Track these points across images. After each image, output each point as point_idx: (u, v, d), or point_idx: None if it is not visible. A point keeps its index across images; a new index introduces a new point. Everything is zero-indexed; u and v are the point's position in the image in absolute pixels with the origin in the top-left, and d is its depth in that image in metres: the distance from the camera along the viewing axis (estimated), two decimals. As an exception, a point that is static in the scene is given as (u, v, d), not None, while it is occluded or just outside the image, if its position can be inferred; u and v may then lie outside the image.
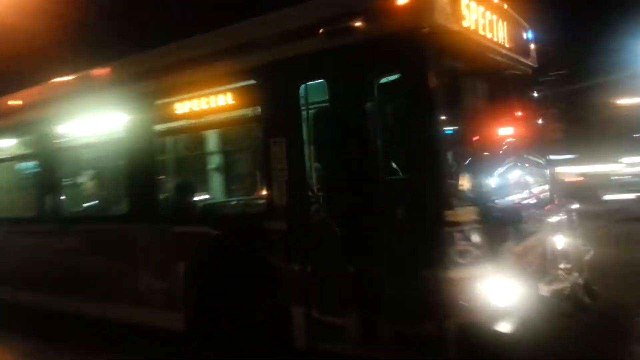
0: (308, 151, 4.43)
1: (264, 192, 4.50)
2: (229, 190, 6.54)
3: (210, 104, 4.43)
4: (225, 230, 4.39)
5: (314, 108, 4.72)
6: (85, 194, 6.31)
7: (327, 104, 4.05)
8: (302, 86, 4.17)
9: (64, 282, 5.64)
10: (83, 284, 5.44)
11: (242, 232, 4.39)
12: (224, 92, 4.37)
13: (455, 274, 3.37)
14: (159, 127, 4.91)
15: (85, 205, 6.25)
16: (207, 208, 5.62)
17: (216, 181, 6.49)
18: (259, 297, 4.16)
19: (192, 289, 4.46)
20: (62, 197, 6.00)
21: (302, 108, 4.35)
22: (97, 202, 6.24)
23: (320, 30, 3.75)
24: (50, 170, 5.98)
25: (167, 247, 4.72)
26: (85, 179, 6.35)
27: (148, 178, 4.99)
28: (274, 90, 4.04)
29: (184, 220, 4.88)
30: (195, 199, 5.51)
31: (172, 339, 4.65)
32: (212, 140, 6.48)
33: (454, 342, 3.37)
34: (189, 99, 4.56)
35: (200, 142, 6.55)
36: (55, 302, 5.77)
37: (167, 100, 4.73)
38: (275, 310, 4.04)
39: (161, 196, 5.14)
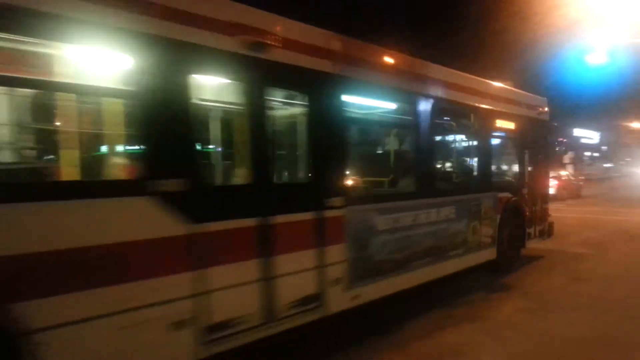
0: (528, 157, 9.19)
1: (521, 176, 9.10)
2: (507, 174, 9.92)
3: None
4: (512, 194, 8.51)
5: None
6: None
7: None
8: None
9: (414, 255, 6.21)
10: (428, 252, 6.45)
11: (517, 194, 8.69)
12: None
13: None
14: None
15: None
16: (491, 182, 8.19)
17: (506, 169, 10.21)
18: (515, 226, 8.65)
19: (500, 229, 8.14)
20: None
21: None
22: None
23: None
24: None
25: (490, 205, 7.81)
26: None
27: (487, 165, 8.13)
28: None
29: (491, 189, 7.95)
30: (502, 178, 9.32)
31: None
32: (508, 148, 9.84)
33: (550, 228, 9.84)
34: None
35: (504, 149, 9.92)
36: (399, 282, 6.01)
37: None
38: (520, 230, 8.85)
39: (482, 178, 7.95)
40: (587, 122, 52.02)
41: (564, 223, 12.46)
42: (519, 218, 8.74)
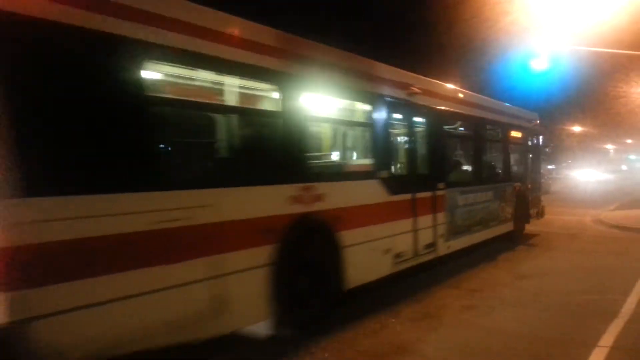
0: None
1: (525, 171, 12.56)
2: (517, 169, 12.56)
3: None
4: (517, 183, 11.67)
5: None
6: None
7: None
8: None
9: (472, 222, 9.42)
10: (480, 222, 9.70)
11: (523, 184, 12.03)
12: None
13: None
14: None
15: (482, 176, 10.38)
16: (510, 175, 11.55)
17: (517, 166, 12.73)
18: (523, 207, 12.02)
19: (515, 209, 11.38)
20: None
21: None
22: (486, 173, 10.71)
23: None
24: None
25: (510, 191, 11.15)
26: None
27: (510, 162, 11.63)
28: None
29: (511, 180, 11.38)
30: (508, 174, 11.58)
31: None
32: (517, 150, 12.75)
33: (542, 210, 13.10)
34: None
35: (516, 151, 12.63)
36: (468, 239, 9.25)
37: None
38: (525, 210, 12.19)
39: (506, 172, 11.37)
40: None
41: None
42: (525, 201, 12.09)
